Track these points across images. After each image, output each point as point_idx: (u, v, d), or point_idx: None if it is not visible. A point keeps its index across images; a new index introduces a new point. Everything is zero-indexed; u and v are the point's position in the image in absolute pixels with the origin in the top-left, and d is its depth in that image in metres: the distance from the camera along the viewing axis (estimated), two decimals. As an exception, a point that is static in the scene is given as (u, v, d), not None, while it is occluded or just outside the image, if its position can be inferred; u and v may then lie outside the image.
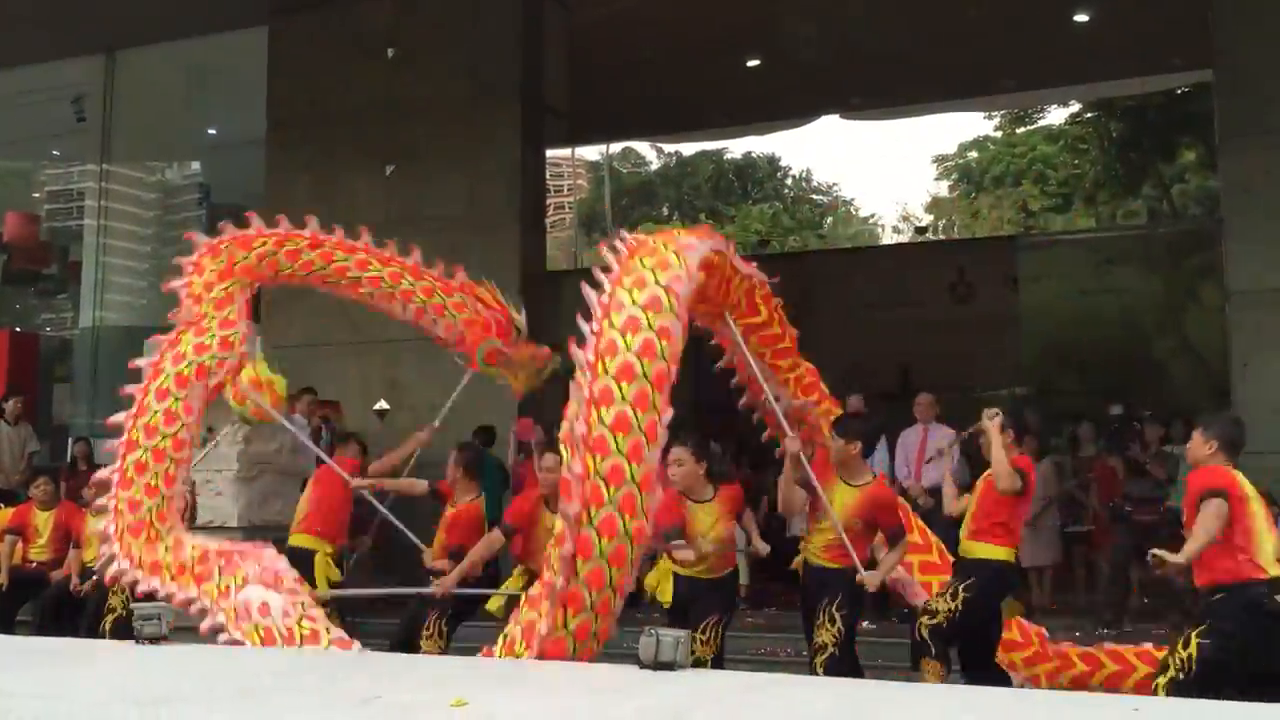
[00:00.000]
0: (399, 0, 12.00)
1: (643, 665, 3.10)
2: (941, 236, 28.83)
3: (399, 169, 11.81)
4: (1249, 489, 5.18)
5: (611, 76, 13.97)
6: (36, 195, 19.79)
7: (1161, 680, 5.10)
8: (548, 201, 13.89)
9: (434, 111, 11.75)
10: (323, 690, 3.10)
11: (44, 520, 8.62)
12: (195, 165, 17.05)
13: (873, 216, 38.88)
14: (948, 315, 15.39)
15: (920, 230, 27.70)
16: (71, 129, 15.63)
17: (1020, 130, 27.68)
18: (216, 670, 3.49)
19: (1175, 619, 8.34)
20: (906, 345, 14.75)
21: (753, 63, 14.49)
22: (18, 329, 16.62)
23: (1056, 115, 25.40)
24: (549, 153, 13.63)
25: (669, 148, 33.44)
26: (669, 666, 3.08)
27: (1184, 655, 5.05)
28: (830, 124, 15.46)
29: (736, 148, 34.26)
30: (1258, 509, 5.15)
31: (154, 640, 3.77)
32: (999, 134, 28.79)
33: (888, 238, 35.00)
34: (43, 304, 20.51)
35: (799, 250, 29.02)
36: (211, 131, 16.13)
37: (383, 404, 11.54)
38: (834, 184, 39.66)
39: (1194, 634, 5.09)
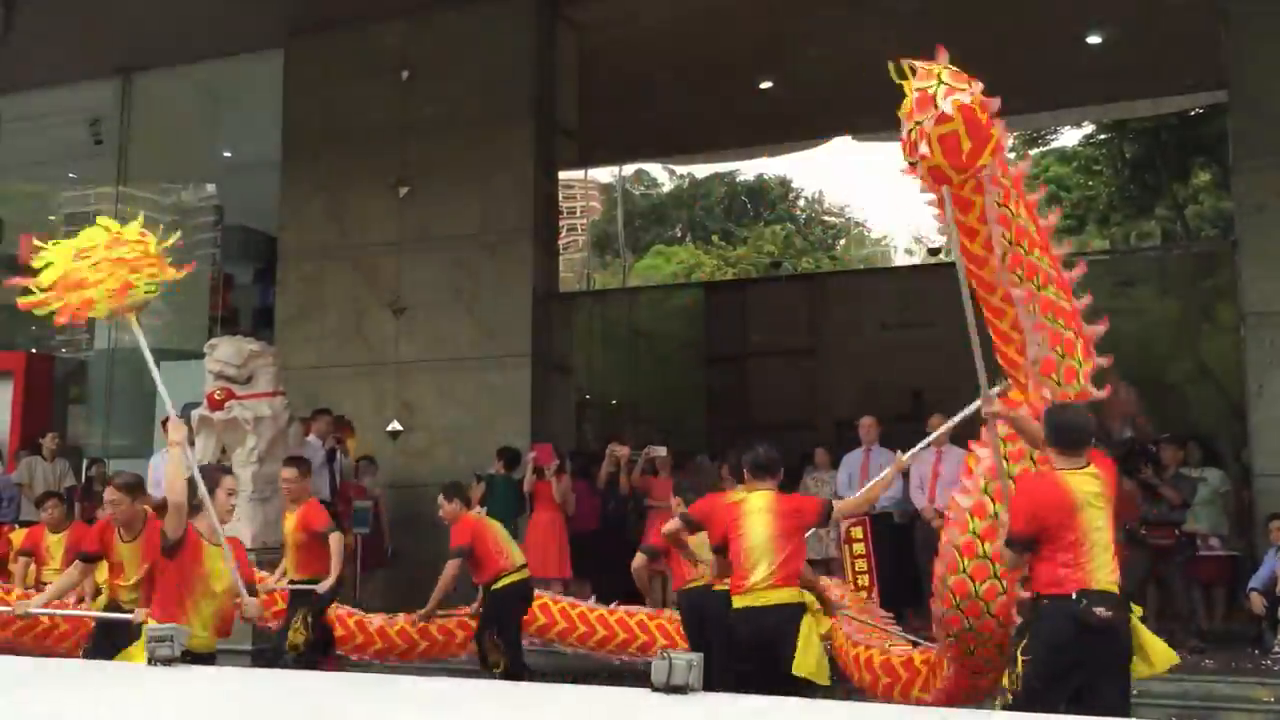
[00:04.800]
0: (412, 22, 12.08)
1: (654, 688, 3.08)
2: (954, 258, 28.77)
3: (412, 189, 11.86)
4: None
5: (623, 98, 14.02)
6: (53, 217, 19.88)
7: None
8: (560, 223, 13.90)
9: (447, 132, 11.80)
10: (322, 714, 3.09)
11: (56, 542, 8.62)
12: (210, 187, 17.13)
13: (885, 238, 38.87)
14: (960, 337, 15.32)
15: (933, 252, 27.64)
16: (88, 151, 15.72)
17: (1033, 151, 27.65)
18: (223, 694, 3.48)
19: (1191, 644, 8.29)
20: (919, 366, 14.72)
21: (765, 84, 14.51)
22: (34, 351, 16.70)
23: (1070, 137, 25.38)
24: (561, 174, 13.67)
25: (681, 169, 33.44)
26: (681, 690, 3.05)
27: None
28: (842, 145, 15.49)
29: (749, 169, 34.28)
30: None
31: (166, 662, 3.76)
32: (1012, 155, 28.74)
33: (900, 259, 34.97)
34: (58, 326, 20.58)
35: (812, 271, 29.03)
36: (227, 153, 16.23)
37: (395, 425, 11.56)
38: (845, 205, 39.67)
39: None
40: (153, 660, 3.73)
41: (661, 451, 10.24)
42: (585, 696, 3.33)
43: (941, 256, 27.01)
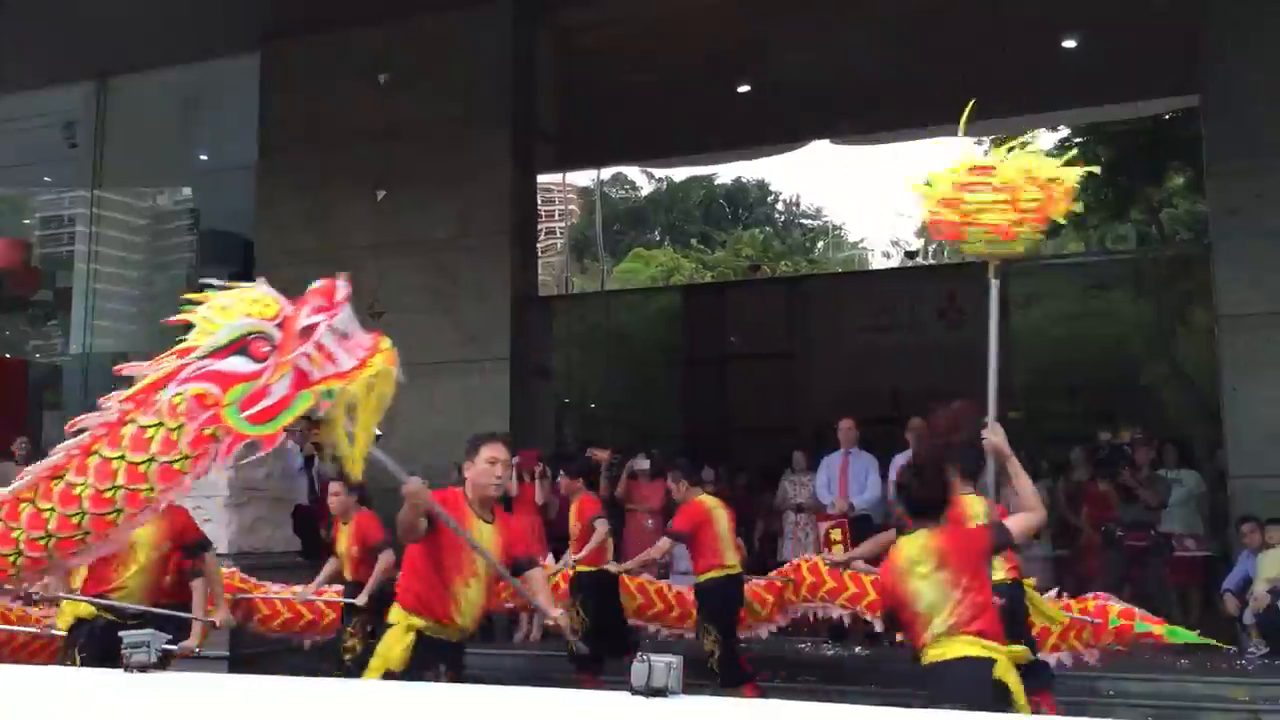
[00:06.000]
0: (391, 26, 12.04)
1: (634, 691, 3.08)
2: (931, 261, 28.94)
3: (390, 193, 11.82)
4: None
5: (602, 101, 14.03)
6: (27, 221, 19.76)
7: None
8: (538, 226, 13.88)
9: (425, 136, 11.77)
10: (303, 718, 3.08)
11: (31, 548, 8.53)
12: (186, 191, 17.05)
13: (862, 241, 39.03)
14: (938, 339, 15.44)
15: (910, 255, 27.77)
16: (63, 155, 15.64)
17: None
18: (203, 699, 3.46)
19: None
20: (897, 369, 14.78)
21: (743, 88, 14.55)
22: (7, 355, 16.59)
23: (1045, 140, 25.51)
24: (540, 177, 13.66)
25: (660, 173, 33.57)
26: (661, 693, 3.05)
27: None
28: (820, 149, 15.50)
29: (727, 173, 34.44)
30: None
31: (142, 669, 3.73)
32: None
33: (878, 262, 35.10)
34: (33, 330, 20.45)
35: (790, 275, 29.10)
36: (203, 157, 16.15)
37: (375, 429, 11.51)
38: (823, 209, 39.86)
39: None
40: (129, 667, 3.71)
41: (644, 465, 10.37)
42: (564, 700, 3.33)
43: (919, 260, 27.16)
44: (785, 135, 15.43)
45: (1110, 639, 6.91)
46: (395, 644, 4.73)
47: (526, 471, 9.91)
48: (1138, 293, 15.89)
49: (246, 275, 13.40)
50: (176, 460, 3.94)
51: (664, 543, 7.72)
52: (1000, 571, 5.66)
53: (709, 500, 7.57)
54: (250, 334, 3.95)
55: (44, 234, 19.46)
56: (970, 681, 4.03)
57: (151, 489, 3.93)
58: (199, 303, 4.04)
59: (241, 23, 12.55)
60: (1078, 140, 23.09)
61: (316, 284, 3.97)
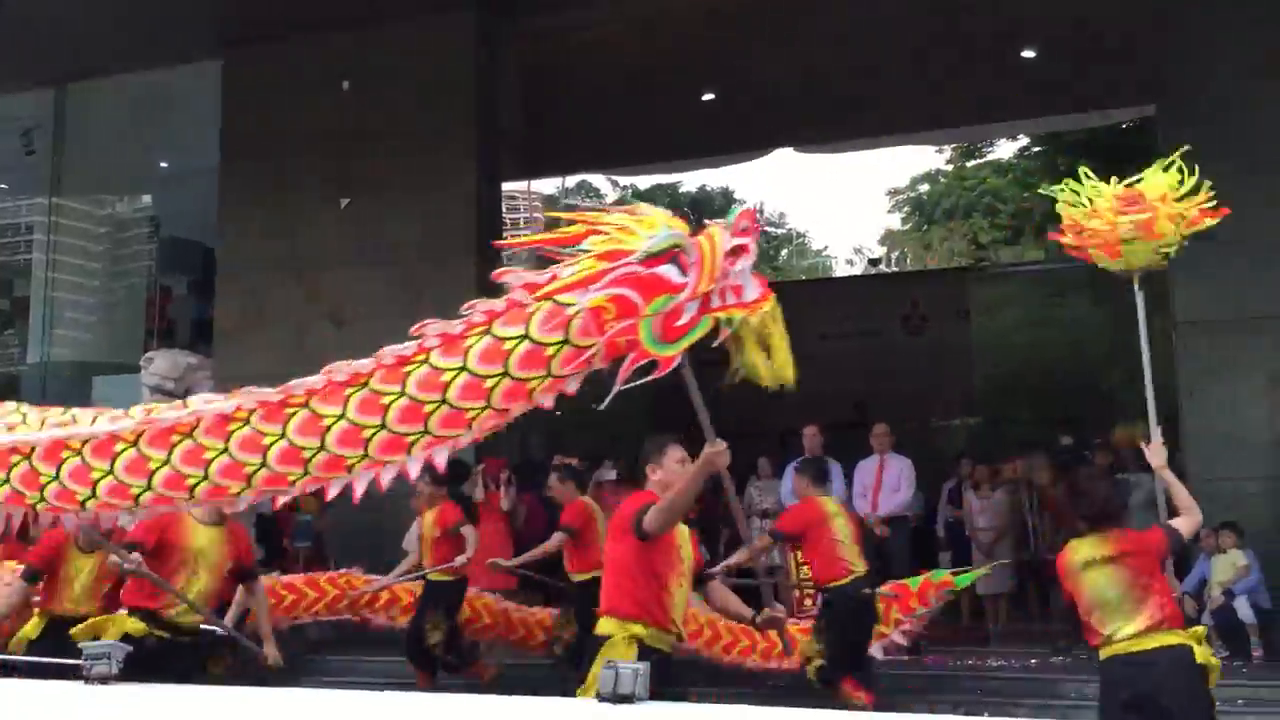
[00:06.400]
0: (354, 32, 11.98)
1: (601, 698, 3.08)
2: (894, 269, 29.20)
3: (354, 200, 11.76)
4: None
5: (567, 109, 14.03)
6: (-16, 228, 19.48)
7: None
8: (504, 234, 13.86)
9: (389, 143, 11.72)
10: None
11: (-11, 558, 8.40)
12: (146, 198, 16.87)
13: (826, 249, 39.30)
14: (901, 346, 15.55)
15: (873, 262, 28.02)
16: (20, 162, 15.42)
17: (970, 164, 28.08)
18: (163, 710, 3.43)
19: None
20: (861, 376, 14.87)
21: (708, 96, 14.61)
22: (-37, 364, 16.35)
23: (1005, 149, 25.83)
24: (505, 185, 13.63)
25: (624, 180, 33.60)
26: (628, 699, 3.06)
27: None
28: (784, 157, 15.62)
29: (691, 180, 34.54)
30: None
31: (103, 680, 3.69)
32: (949, 167, 29.21)
33: (841, 270, 35.38)
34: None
35: (754, 282, 29.19)
36: (163, 164, 15.99)
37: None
38: (787, 216, 40.08)
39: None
40: (89, 679, 3.67)
41: (611, 475, 10.39)
42: (532, 708, 3.33)
43: (882, 268, 27.38)
44: (750, 143, 15.52)
45: (917, 603, 7.54)
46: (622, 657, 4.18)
47: (491, 479, 9.91)
48: (1096, 299, 16.07)
49: (207, 283, 13.40)
50: (534, 379, 3.45)
51: (557, 537, 8.01)
52: (860, 565, 7.00)
53: (591, 502, 8.09)
54: (677, 246, 3.54)
55: (1, 242, 19.20)
56: (1177, 668, 4.43)
57: (483, 409, 3.45)
58: (560, 220, 3.63)
59: (203, 28, 12.44)
60: (1037, 149, 23.44)
61: (740, 206, 3.54)
